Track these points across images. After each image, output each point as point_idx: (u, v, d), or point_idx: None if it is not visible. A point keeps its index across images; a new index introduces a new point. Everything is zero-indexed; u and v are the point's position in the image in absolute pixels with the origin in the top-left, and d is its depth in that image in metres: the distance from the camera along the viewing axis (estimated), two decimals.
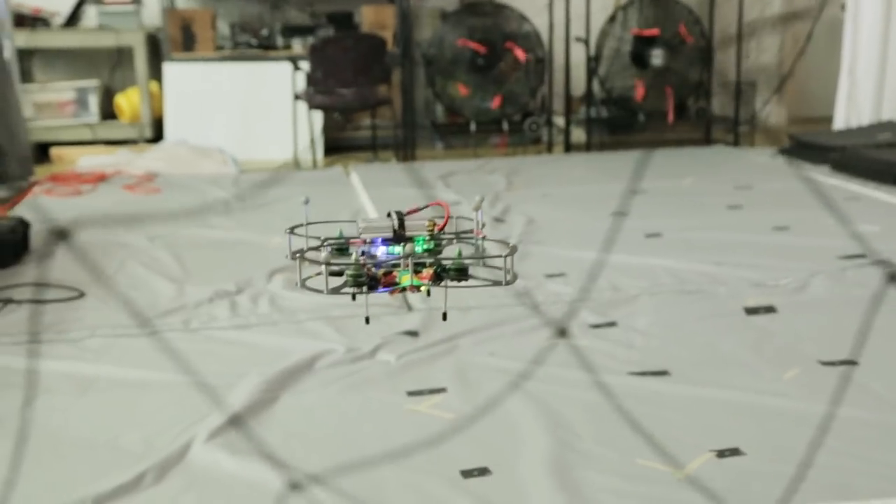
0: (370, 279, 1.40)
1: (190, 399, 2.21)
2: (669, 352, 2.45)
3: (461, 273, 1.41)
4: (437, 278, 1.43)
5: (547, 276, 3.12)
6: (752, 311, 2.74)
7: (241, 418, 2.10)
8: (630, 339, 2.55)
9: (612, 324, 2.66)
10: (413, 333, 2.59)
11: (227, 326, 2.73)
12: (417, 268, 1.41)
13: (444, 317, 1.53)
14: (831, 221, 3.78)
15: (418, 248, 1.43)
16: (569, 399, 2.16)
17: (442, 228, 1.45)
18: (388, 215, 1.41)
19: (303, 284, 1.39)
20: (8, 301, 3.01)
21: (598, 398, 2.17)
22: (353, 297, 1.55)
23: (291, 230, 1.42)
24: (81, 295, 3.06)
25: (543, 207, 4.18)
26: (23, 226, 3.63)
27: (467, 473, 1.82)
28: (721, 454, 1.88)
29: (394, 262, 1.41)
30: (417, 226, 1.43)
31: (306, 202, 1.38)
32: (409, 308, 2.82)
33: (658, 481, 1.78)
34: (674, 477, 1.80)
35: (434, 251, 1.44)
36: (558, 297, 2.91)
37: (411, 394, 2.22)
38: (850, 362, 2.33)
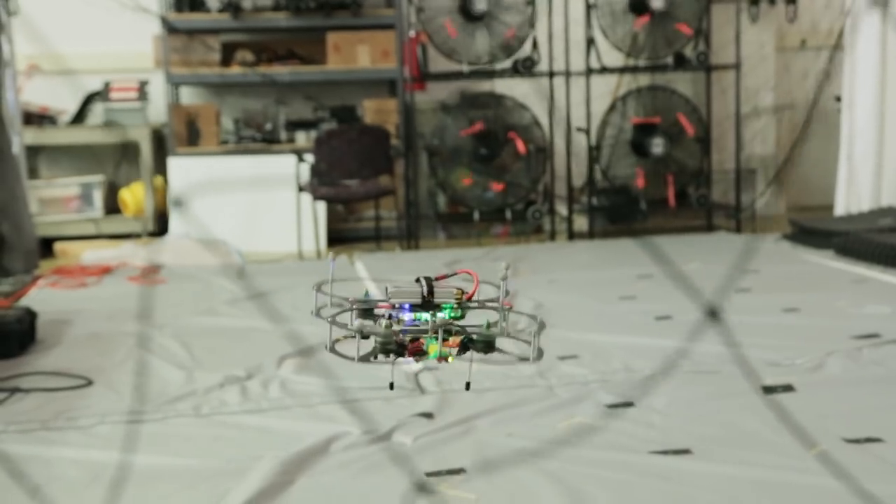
0: (398, 346, 1.38)
1: (205, 483, 2.17)
2: (690, 430, 2.41)
3: (488, 347, 1.39)
4: (464, 349, 1.41)
5: (560, 359, 3.09)
6: (769, 389, 2.71)
7: (257, 502, 2.05)
8: (649, 418, 2.51)
9: (629, 404, 2.63)
10: (428, 415, 2.55)
11: (238, 411, 2.70)
12: (445, 335, 1.38)
13: (468, 386, 1.50)
14: (841, 303, 3.77)
15: (445, 316, 1.40)
16: (591, 478, 2.11)
17: (471, 297, 1.42)
18: (417, 281, 1.39)
19: (331, 349, 1.37)
20: (15, 390, 2.97)
21: (621, 476, 2.13)
22: (392, 387, 1.52)
23: (318, 287, 1.40)
24: (90, 383, 3.02)
25: (551, 292, 4.17)
26: (29, 316, 3.61)
27: None
28: None
29: (421, 329, 1.38)
30: (445, 293, 1.41)
31: (333, 259, 1.37)
32: (423, 391, 2.79)
33: None
34: None
35: (461, 319, 1.42)
36: (572, 379, 2.88)
37: (430, 475, 2.17)
38: (876, 440, 2.30)
